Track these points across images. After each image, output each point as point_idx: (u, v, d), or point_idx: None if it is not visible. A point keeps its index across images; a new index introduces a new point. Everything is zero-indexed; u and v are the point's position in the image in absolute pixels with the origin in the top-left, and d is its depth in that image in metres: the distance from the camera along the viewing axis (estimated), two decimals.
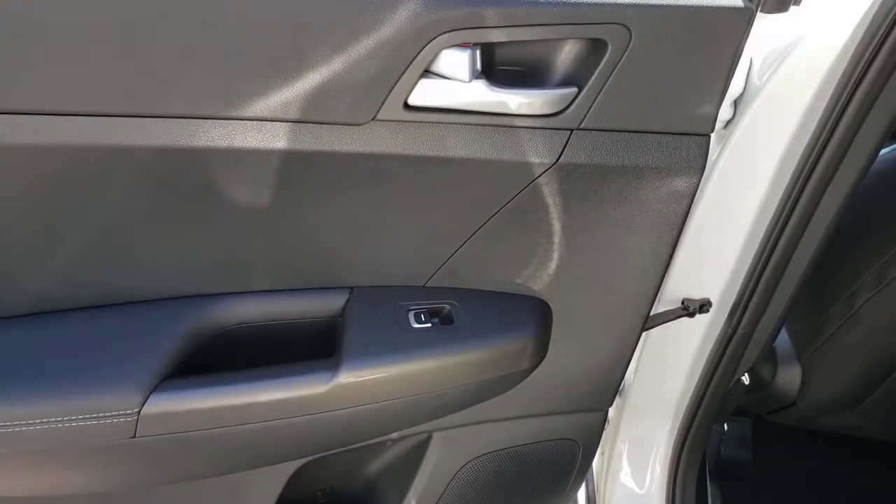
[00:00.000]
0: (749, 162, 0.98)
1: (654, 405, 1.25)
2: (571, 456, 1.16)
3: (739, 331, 1.10)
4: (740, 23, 0.76)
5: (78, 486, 0.87)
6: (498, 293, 0.94)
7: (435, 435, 1.05)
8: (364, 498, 1.14)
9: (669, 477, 1.28)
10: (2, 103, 0.69)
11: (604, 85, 0.77)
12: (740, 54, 0.79)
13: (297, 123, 0.74)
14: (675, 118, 0.82)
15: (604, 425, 1.17)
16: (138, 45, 0.68)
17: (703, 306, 1.08)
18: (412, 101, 0.75)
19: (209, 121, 0.72)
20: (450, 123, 0.78)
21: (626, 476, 1.31)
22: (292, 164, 0.76)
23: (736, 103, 1.00)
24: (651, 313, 1.01)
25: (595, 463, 1.33)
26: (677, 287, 1.08)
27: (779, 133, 0.95)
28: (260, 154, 0.75)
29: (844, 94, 0.88)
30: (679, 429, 1.25)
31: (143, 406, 0.79)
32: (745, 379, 1.30)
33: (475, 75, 0.75)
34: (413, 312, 0.90)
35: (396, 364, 0.86)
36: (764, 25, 0.87)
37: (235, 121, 0.73)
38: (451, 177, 0.81)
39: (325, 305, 0.90)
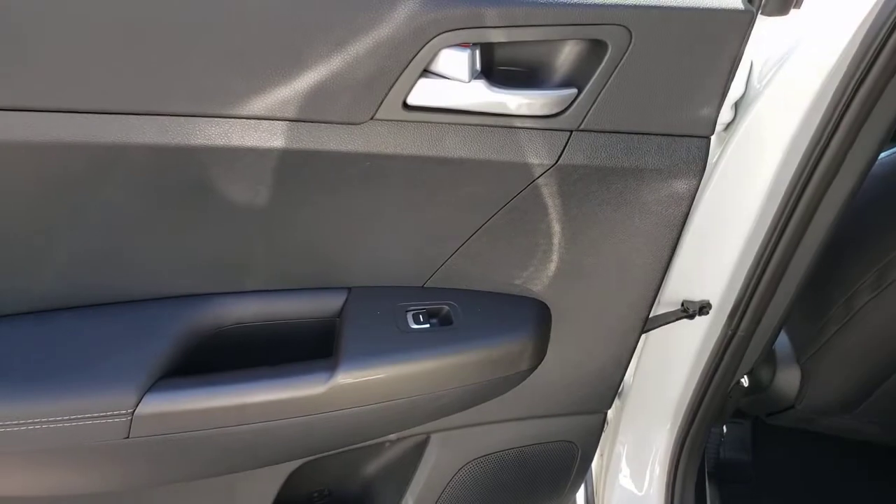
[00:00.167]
0: (749, 164, 0.98)
1: (654, 407, 1.25)
2: (570, 458, 1.16)
3: (739, 333, 1.10)
4: (741, 25, 0.76)
5: (73, 487, 0.86)
6: (497, 294, 0.94)
7: (433, 436, 1.05)
8: (361, 499, 1.14)
9: (668, 479, 1.28)
10: None
11: (604, 86, 0.77)
12: (741, 57, 0.79)
13: (294, 122, 0.74)
14: (676, 120, 0.81)
15: (603, 427, 1.17)
16: (134, 42, 0.68)
17: (703, 308, 1.08)
18: (411, 100, 0.75)
19: (206, 119, 0.72)
20: (449, 124, 0.78)
21: (625, 478, 1.30)
22: (290, 164, 0.76)
23: (737, 106, 1.00)
24: (651, 315, 1.01)
25: (594, 464, 1.33)
26: (677, 289, 1.08)
27: (779, 136, 0.95)
28: (257, 153, 0.74)
29: (844, 98, 0.87)
30: (678, 431, 1.25)
31: (137, 406, 0.78)
32: (745, 381, 1.30)
33: (475, 75, 0.75)
34: (412, 313, 0.90)
35: (394, 365, 0.86)
36: (764, 28, 0.87)
37: (232, 119, 0.72)
38: (451, 177, 0.81)
39: (322, 306, 0.90)
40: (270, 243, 0.84)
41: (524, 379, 0.97)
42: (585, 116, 0.79)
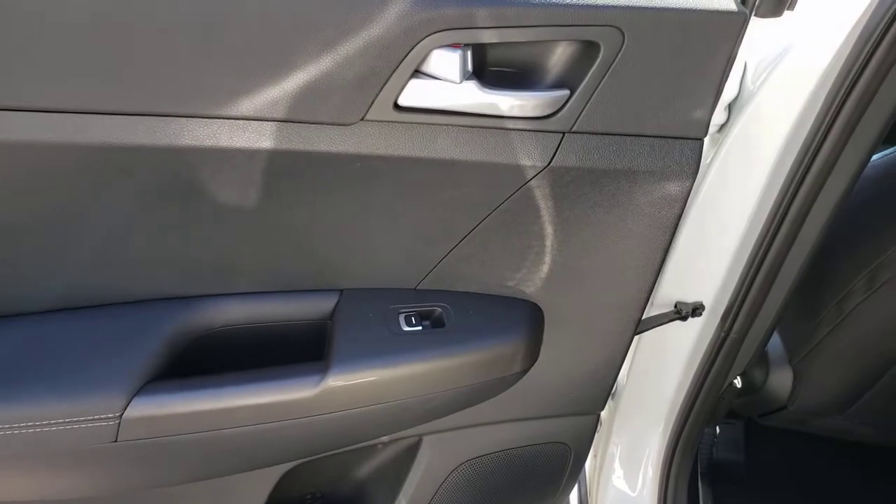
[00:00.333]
0: (742, 166, 0.98)
1: (647, 408, 1.25)
2: (563, 459, 1.16)
3: (732, 335, 1.10)
4: (734, 27, 0.76)
5: (60, 491, 0.86)
6: (489, 296, 0.93)
7: (425, 438, 1.05)
8: (354, 501, 1.14)
9: (662, 480, 1.28)
10: None
11: (596, 88, 0.77)
12: (734, 58, 0.79)
13: (284, 123, 0.73)
14: (669, 122, 0.81)
15: (595, 429, 1.16)
16: (121, 41, 0.67)
17: (696, 310, 1.08)
18: (402, 101, 0.74)
19: (194, 119, 0.71)
20: (440, 125, 0.77)
21: (618, 479, 1.30)
22: (279, 165, 0.75)
23: (730, 107, 0.99)
24: (644, 316, 1.01)
25: (587, 465, 1.33)
26: (670, 290, 1.08)
27: (772, 138, 0.95)
28: (246, 154, 0.74)
29: (837, 100, 0.87)
30: (671, 432, 1.25)
31: (125, 410, 0.78)
32: (738, 382, 1.30)
33: (466, 76, 0.74)
34: (403, 315, 0.89)
35: (386, 367, 0.85)
36: (758, 29, 0.87)
37: (221, 120, 0.72)
38: (442, 179, 0.80)
39: (313, 308, 0.89)
40: (260, 245, 0.84)
41: (517, 381, 0.97)
42: (578, 118, 0.78)
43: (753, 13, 0.84)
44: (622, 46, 0.74)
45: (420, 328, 0.88)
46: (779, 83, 0.93)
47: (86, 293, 0.84)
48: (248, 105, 0.71)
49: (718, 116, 0.99)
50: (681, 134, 0.82)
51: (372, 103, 0.73)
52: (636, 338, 1.07)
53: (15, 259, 0.78)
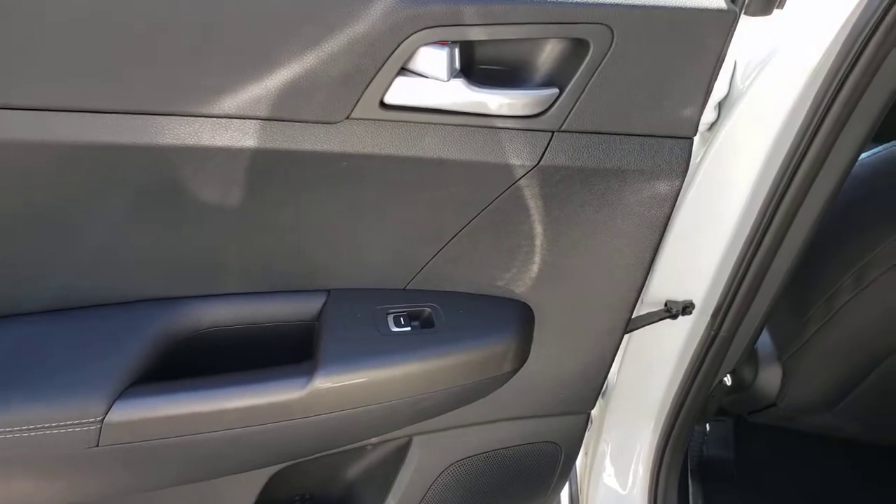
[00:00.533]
0: (732, 165, 0.98)
1: (637, 406, 1.25)
2: (553, 459, 1.16)
3: (722, 333, 1.10)
4: (724, 25, 0.75)
5: (42, 498, 0.84)
6: (479, 296, 0.93)
7: (415, 439, 1.04)
8: (343, 503, 1.13)
9: (652, 477, 1.28)
10: None
11: (586, 86, 0.76)
12: (724, 57, 0.78)
13: (267, 121, 0.72)
14: (658, 121, 0.80)
15: (586, 427, 1.16)
16: (99, 37, 0.66)
17: (686, 308, 1.08)
18: (388, 99, 0.73)
19: (175, 118, 0.70)
20: (428, 123, 0.76)
21: (608, 477, 1.30)
22: (263, 164, 0.74)
23: (720, 106, 0.99)
24: (634, 315, 1.00)
25: (578, 463, 1.33)
26: (660, 289, 1.08)
27: (762, 136, 0.94)
28: (228, 153, 0.73)
29: (826, 99, 0.87)
30: (662, 430, 1.25)
31: (106, 414, 0.76)
32: (727, 380, 1.30)
33: (454, 74, 0.74)
34: (392, 316, 0.88)
35: (375, 369, 0.84)
36: (747, 28, 0.86)
37: (203, 118, 0.70)
38: (430, 178, 0.80)
39: (301, 308, 0.88)
40: (246, 245, 0.82)
41: (507, 381, 0.96)
42: (567, 117, 0.77)
43: (743, 11, 0.83)
44: (612, 44, 0.74)
45: (409, 329, 0.88)
46: (768, 82, 0.93)
47: (68, 295, 0.82)
48: (230, 103, 0.70)
49: (708, 115, 0.99)
50: (670, 133, 0.82)
51: (357, 101, 0.72)
52: (626, 336, 1.06)
53: None
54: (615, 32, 0.73)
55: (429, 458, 1.06)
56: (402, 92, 0.73)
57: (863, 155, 1.24)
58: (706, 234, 1.03)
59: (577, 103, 0.77)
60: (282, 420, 0.83)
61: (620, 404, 1.25)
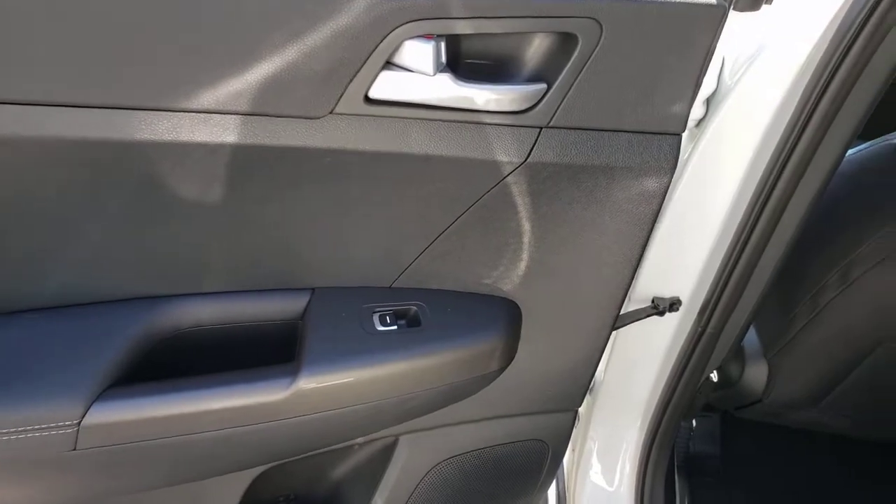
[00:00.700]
0: (720, 161, 0.97)
1: (624, 403, 1.25)
2: (541, 456, 1.15)
3: (709, 330, 1.10)
4: (713, 21, 0.74)
5: (21, 502, 0.82)
6: (466, 294, 0.92)
7: (402, 438, 1.03)
8: (329, 503, 1.12)
9: (639, 474, 1.28)
10: None
11: (574, 81, 0.75)
12: (713, 52, 0.77)
13: (248, 116, 0.70)
14: (647, 117, 0.80)
15: (573, 425, 1.16)
16: (73, 30, 0.64)
17: (673, 305, 1.08)
18: (373, 94, 0.72)
19: (152, 112, 0.68)
20: (413, 118, 0.75)
21: (595, 474, 1.30)
22: (244, 160, 0.73)
23: (708, 102, 0.99)
24: (621, 312, 1.00)
25: (565, 460, 1.33)
26: (647, 286, 1.07)
27: (750, 133, 0.94)
28: (208, 148, 0.71)
29: (813, 96, 0.87)
30: (649, 426, 1.24)
31: (84, 417, 0.74)
32: (714, 376, 1.30)
33: (440, 68, 0.72)
34: (378, 314, 0.87)
35: (360, 369, 0.83)
36: (736, 23, 0.86)
37: (181, 113, 0.69)
38: (416, 174, 0.78)
39: (284, 307, 0.87)
40: (227, 243, 0.81)
41: (494, 379, 0.95)
42: (555, 113, 0.76)
43: (732, 7, 0.83)
44: (600, 39, 0.73)
45: (395, 327, 0.86)
46: (756, 78, 0.92)
47: (45, 295, 0.80)
48: (209, 98, 0.68)
49: (696, 111, 0.98)
50: (659, 129, 0.81)
51: (341, 96, 0.71)
52: (613, 333, 1.06)
53: None
54: (604, 27, 0.72)
55: (416, 457, 1.05)
56: (387, 86, 0.72)
57: (849, 152, 1.25)
58: (694, 230, 1.03)
59: (566, 99, 0.76)
60: (266, 421, 0.81)
61: (607, 401, 1.25)
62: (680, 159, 0.85)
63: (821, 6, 0.88)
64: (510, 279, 0.91)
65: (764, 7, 0.86)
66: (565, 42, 0.74)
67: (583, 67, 0.74)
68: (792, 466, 1.60)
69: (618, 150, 0.81)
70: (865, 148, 1.31)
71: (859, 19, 0.82)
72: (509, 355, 0.94)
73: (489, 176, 0.79)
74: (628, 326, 1.07)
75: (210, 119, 0.69)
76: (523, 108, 0.76)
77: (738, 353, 1.38)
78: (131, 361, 0.80)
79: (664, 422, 1.23)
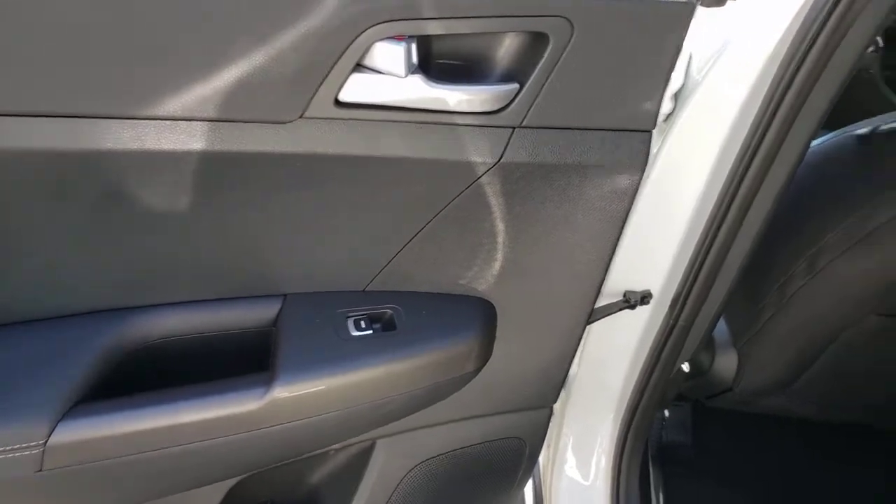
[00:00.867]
0: (689, 155, 0.98)
1: (598, 397, 1.25)
2: (518, 454, 1.15)
3: (680, 322, 1.11)
4: (682, 18, 0.75)
5: None
6: (441, 295, 0.91)
7: (379, 442, 1.02)
8: None
9: (614, 467, 1.28)
10: None
11: (546, 81, 0.74)
12: (681, 49, 0.78)
13: (215, 122, 0.68)
14: (618, 114, 0.80)
15: (549, 421, 1.16)
16: (33, 36, 0.61)
17: (645, 298, 1.08)
18: (343, 97, 0.70)
19: (117, 121, 0.66)
20: (385, 121, 0.73)
21: (571, 468, 1.30)
22: (212, 167, 0.71)
23: (676, 97, 0.99)
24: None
25: (541, 456, 1.33)
26: (618, 280, 1.07)
27: (717, 126, 0.95)
28: (175, 156, 0.69)
29: (779, 90, 0.88)
30: (623, 419, 1.25)
31: (49, 436, 0.72)
32: (685, 366, 1.32)
33: (411, 70, 0.71)
34: (352, 319, 0.86)
35: (335, 375, 0.82)
36: (703, 19, 0.86)
37: (146, 120, 0.66)
38: (389, 177, 0.77)
39: (256, 315, 0.85)
40: (196, 251, 0.78)
41: (471, 380, 0.95)
42: (527, 112, 0.76)
43: (699, 3, 0.83)
44: (571, 38, 0.72)
45: (370, 332, 0.85)
46: (723, 72, 0.93)
47: (9, 310, 0.77)
48: (175, 104, 0.66)
49: (665, 106, 0.98)
50: (630, 126, 0.81)
51: (311, 100, 0.69)
52: (587, 328, 1.06)
53: None
54: (575, 25, 0.71)
55: (393, 460, 1.04)
56: (357, 89, 0.70)
57: (813, 142, 1.27)
58: (663, 224, 1.03)
59: (538, 98, 0.75)
60: (241, 432, 0.79)
61: (581, 396, 1.25)
62: (650, 153, 0.85)
63: (785, 1, 0.89)
64: (485, 279, 0.91)
65: (729, 2, 0.86)
66: (536, 41, 0.73)
67: (554, 66, 0.74)
68: (762, 452, 1.63)
69: (590, 148, 0.80)
70: (829, 139, 1.33)
71: (823, 13, 0.83)
72: (485, 356, 0.93)
73: (463, 177, 0.79)
74: (601, 321, 1.07)
75: (177, 126, 0.67)
76: (496, 108, 0.75)
77: (708, 343, 1.39)
78: (100, 376, 0.77)
79: (638, 414, 1.23)
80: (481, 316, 0.92)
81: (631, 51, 0.75)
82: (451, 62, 0.75)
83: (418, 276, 0.89)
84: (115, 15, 0.62)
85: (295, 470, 1.07)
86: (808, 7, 0.84)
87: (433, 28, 0.69)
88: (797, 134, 0.93)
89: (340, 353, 0.82)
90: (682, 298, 1.08)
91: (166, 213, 0.73)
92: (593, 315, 1.03)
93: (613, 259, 0.97)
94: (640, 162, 0.83)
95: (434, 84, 0.72)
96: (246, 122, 0.69)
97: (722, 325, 1.41)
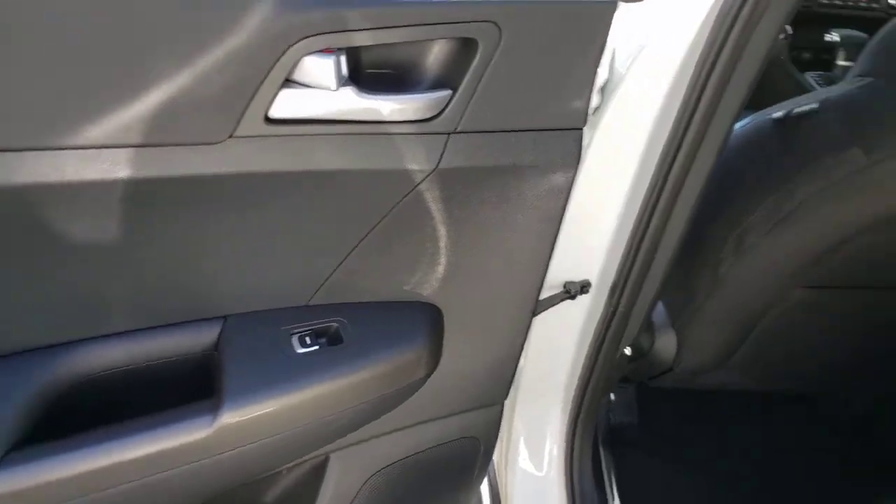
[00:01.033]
0: (618, 146, 1.00)
1: (546, 388, 1.27)
2: (473, 453, 1.16)
3: (620, 308, 1.13)
4: (605, 15, 0.76)
5: None
6: (387, 303, 0.90)
7: (332, 456, 1.00)
8: None
9: (566, 455, 1.31)
10: None
11: (477, 85, 0.74)
12: (605, 45, 0.79)
13: (141, 148, 0.65)
14: (549, 114, 0.81)
15: (501, 417, 1.17)
16: None
17: (584, 287, 1.10)
18: (274, 113, 0.69)
19: (33, 153, 0.62)
20: (319, 135, 0.72)
21: (524, 461, 1.32)
22: (140, 194, 0.68)
23: (602, 91, 1.01)
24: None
25: (494, 453, 1.34)
26: (558, 272, 1.09)
27: (644, 118, 0.97)
28: (100, 186, 0.65)
29: (701, 78, 0.91)
30: (571, 408, 1.27)
31: None
32: (628, 350, 1.35)
33: (342, 82, 0.70)
34: (297, 336, 0.84)
35: (284, 395, 0.80)
36: (623, 14, 0.88)
37: (66, 150, 0.63)
38: (326, 191, 0.76)
39: (196, 340, 0.82)
40: (130, 280, 0.75)
41: (421, 385, 0.94)
42: (461, 118, 0.76)
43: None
44: (500, 42, 0.72)
45: (316, 347, 0.83)
46: (646, 65, 0.95)
47: None
48: (96, 132, 0.63)
49: (592, 100, 1.00)
50: (561, 125, 0.82)
51: (241, 119, 0.67)
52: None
53: None
54: (502, 29, 0.72)
55: (348, 473, 1.03)
56: (288, 105, 0.69)
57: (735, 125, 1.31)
58: (598, 214, 1.05)
59: (471, 103, 0.75)
60: (190, 462, 0.77)
61: (529, 388, 1.27)
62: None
63: None
64: (429, 284, 0.91)
65: None
66: (466, 47, 0.73)
67: (485, 71, 0.74)
68: (705, 425, 1.70)
69: (524, 149, 0.81)
70: (748, 123, 1.39)
71: (737, 4, 0.86)
72: (434, 361, 0.93)
73: (400, 186, 0.78)
74: (543, 313, 1.09)
75: (100, 155, 0.64)
76: (429, 115, 0.75)
77: (648, 326, 1.43)
78: (34, 419, 0.73)
79: (585, 400, 1.26)
80: (428, 321, 0.91)
81: (558, 51, 0.76)
82: (383, 72, 0.74)
83: (362, 286, 0.88)
84: (31, 41, 0.58)
85: (247, 491, 1.04)
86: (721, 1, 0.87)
87: (361, 39, 0.68)
88: (720, 119, 0.97)
89: (287, 372, 0.81)
90: (620, 285, 1.10)
91: (95, 244, 0.70)
92: (536, 308, 1.04)
93: (553, 253, 0.99)
94: (573, 159, 0.84)
95: (366, 95, 0.71)
96: (174, 145, 0.66)
97: (660, 307, 1.45)
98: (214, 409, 0.76)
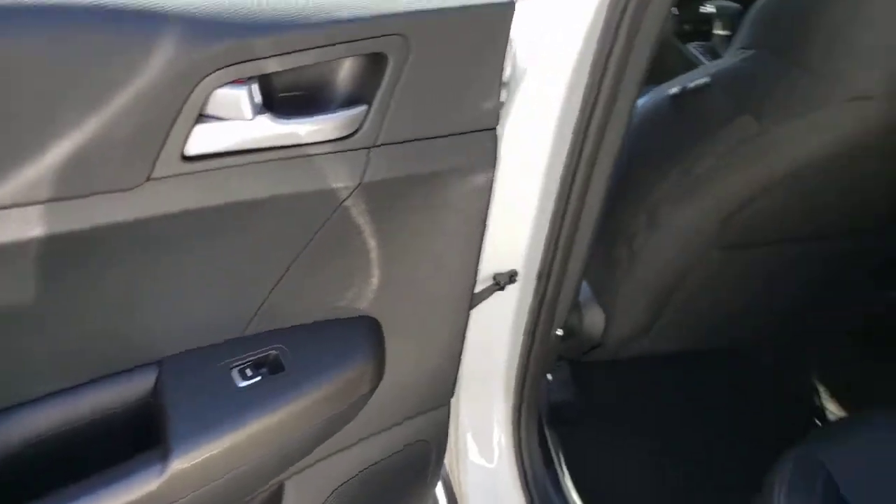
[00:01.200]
0: (528, 138, 1.02)
1: (487, 380, 1.29)
2: (426, 455, 1.16)
3: (548, 292, 1.16)
4: (505, 16, 0.78)
5: None
6: (325, 323, 0.89)
7: (287, 483, 0.99)
8: None
9: (515, 442, 1.33)
10: None
11: (391, 98, 0.75)
12: (507, 45, 0.81)
13: (53, 203, 0.62)
14: (463, 118, 0.82)
15: (449, 417, 1.18)
16: None
17: (512, 277, 1.13)
18: (190, 150, 0.67)
19: None
20: (239, 166, 0.71)
21: (474, 455, 1.34)
22: (57, 250, 0.64)
23: (507, 87, 1.03)
24: None
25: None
26: (486, 265, 1.11)
27: (549, 108, 1.00)
28: (11, 248, 0.62)
29: (600, 63, 0.94)
30: (514, 395, 1.30)
31: None
32: (559, 331, 1.39)
33: (257, 110, 0.69)
34: (237, 369, 0.82)
35: (231, 432, 0.78)
36: (520, 11, 0.90)
37: None
38: (252, 220, 0.74)
39: (132, 389, 0.79)
40: (54, 339, 0.71)
41: (368, 399, 0.94)
42: (380, 131, 0.76)
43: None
44: (408, 52, 0.73)
45: (258, 378, 0.82)
46: (547, 55, 0.97)
47: None
48: (2, 192, 0.59)
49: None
50: (476, 127, 0.84)
51: (156, 160, 0.65)
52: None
53: None
54: (410, 41, 0.72)
55: (305, 496, 1.02)
56: (204, 140, 0.67)
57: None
58: (518, 206, 1.07)
59: (387, 116, 0.76)
60: None
61: (471, 383, 1.28)
62: None
63: None
64: (364, 297, 0.90)
65: None
66: (376, 62, 0.73)
67: (397, 83, 0.74)
68: (640, 392, 1.77)
69: (444, 154, 0.82)
70: (647, 101, 1.45)
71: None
72: (379, 373, 0.93)
73: (326, 205, 0.77)
74: (476, 308, 1.11)
75: (7, 215, 0.60)
76: (348, 132, 0.74)
77: (575, 305, 1.48)
78: None
79: (526, 387, 1.29)
80: (367, 335, 0.91)
81: (465, 56, 0.78)
82: (297, 94, 0.73)
83: (297, 308, 0.87)
84: None
85: None
86: None
87: (271, 66, 0.67)
88: (623, 101, 1.01)
89: (231, 408, 0.79)
90: (546, 271, 1.13)
91: (14, 307, 0.66)
92: (470, 304, 1.06)
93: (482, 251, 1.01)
94: (491, 159, 0.86)
95: (282, 120, 0.70)
96: (87, 195, 0.63)
97: (585, 286, 1.50)
98: (163, 458, 0.74)
